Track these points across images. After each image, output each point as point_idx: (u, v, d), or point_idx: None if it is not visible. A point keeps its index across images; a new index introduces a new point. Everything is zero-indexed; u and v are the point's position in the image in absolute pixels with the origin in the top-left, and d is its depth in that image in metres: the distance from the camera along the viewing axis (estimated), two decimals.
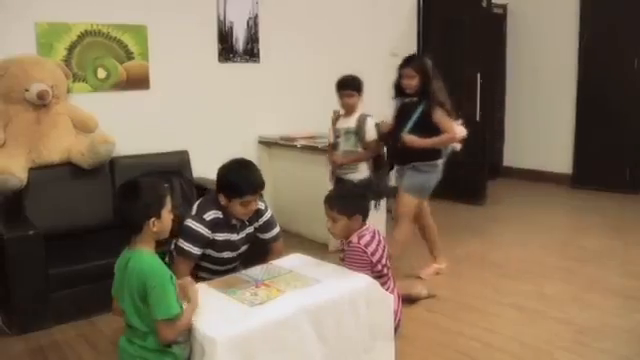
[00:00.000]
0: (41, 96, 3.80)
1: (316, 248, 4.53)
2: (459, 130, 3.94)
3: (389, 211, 5.50)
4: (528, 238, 5.11)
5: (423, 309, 3.62)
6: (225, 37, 5.08)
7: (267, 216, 3.14)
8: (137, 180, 2.30)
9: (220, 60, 5.08)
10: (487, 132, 6.20)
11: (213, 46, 5.03)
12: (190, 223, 2.89)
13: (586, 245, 4.87)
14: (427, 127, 3.82)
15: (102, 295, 3.52)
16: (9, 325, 3.34)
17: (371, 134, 4.09)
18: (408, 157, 3.93)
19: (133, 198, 2.18)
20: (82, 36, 4.25)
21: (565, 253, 4.71)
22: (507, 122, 7.89)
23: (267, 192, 3.89)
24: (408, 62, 3.91)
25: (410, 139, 3.83)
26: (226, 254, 3.04)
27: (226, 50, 5.11)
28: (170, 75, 4.72)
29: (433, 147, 3.90)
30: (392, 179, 4.25)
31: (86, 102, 4.24)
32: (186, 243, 2.87)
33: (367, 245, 2.98)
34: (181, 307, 2.16)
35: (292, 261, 3.00)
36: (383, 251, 3.08)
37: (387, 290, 2.96)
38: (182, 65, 4.79)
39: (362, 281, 2.76)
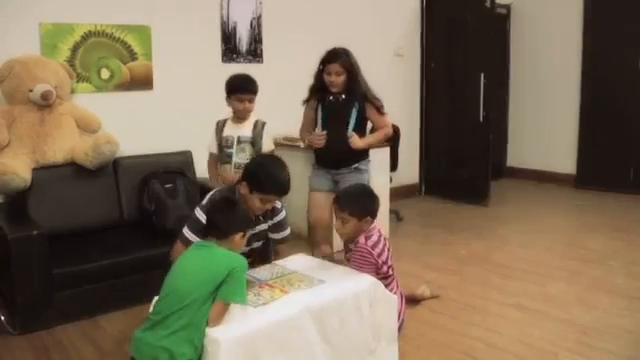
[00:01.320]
0: (45, 96, 3.80)
1: None
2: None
3: (392, 212, 5.52)
4: (532, 238, 5.10)
5: (426, 309, 3.62)
6: (228, 37, 5.08)
7: (282, 216, 3.13)
8: (236, 199, 2.74)
9: (223, 60, 5.07)
10: (490, 132, 6.19)
11: (216, 46, 5.03)
12: (196, 212, 2.90)
13: (590, 246, 4.85)
14: (363, 125, 3.72)
15: (106, 295, 3.58)
16: (13, 325, 3.34)
17: (269, 144, 3.67)
18: (352, 159, 3.70)
19: (234, 210, 2.55)
20: (86, 37, 4.26)
21: (569, 253, 4.70)
22: (511, 122, 7.87)
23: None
24: (334, 57, 3.56)
25: (359, 141, 3.62)
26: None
27: (229, 50, 5.11)
28: (173, 75, 4.72)
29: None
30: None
31: (90, 102, 4.24)
32: (188, 230, 2.88)
33: (374, 246, 2.97)
34: None
35: (296, 261, 3.00)
36: (389, 252, 3.08)
37: (391, 291, 2.96)
38: (185, 65, 4.79)
39: (366, 282, 2.76)
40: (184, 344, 2.19)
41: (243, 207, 2.67)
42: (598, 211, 6.04)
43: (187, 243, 2.81)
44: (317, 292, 2.58)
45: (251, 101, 3.55)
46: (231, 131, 3.60)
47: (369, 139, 3.73)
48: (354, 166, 3.69)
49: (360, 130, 3.69)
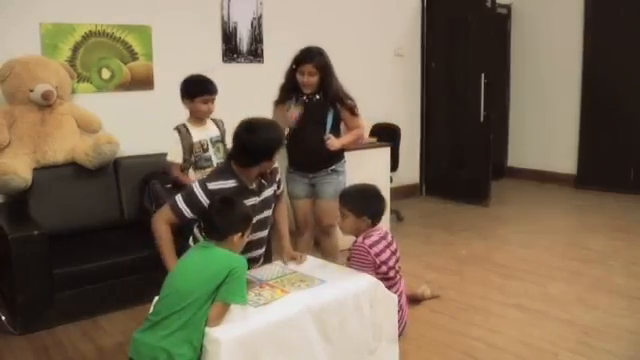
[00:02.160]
0: (46, 96, 3.81)
1: None
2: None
3: (393, 212, 5.51)
4: (532, 239, 5.10)
5: (427, 310, 3.62)
6: (229, 37, 5.08)
7: (279, 172, 3.09)
8: (234, 199, 2.59)
9: (224, 60, 5.08)
10: (491, 132, 6.19)
11: (217, 46, 5.03)
12: (195, 186, 2.75)
13: (591, 246, 4.85)
14: (337, 126, 3.64)
15: (107, 295, 3.58)
16: (14, 324, 3.34)
17: (230, 140, 3.58)
18: (328, 161, 3.60)
19: (232, 210, 2.49)
20: (86, 37, 4.26)
21: (570, 254, 4.70)
22: (511, 122, 7.87)
23: None
24: (308, 57, 3.47)
25: (336, 143, 3.52)
26: (260, 215, 2.91)
27: (230, 50, 5.12)
28: (174, 75, 4.68)
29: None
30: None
31: (90, 102, 4.24)
32: (183, 203, 2.71)
33: (372, 245, 2.98)
34: None
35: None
36: (392, 254, 3.08)
37: (395, 293, 2.96)
38: (186, 65, 4.75)
39: (366, 281, 2.76)
40: (183, 345, 2.19)
41: (242, 207, 2.57)
42: (598, 211, 6.04)
43: (178, 214, 2.71)
44: (317, 292, 2.58)
45: (213, 101, 3.52)
46: (200, 135, 3.51)
47: (345, 140, 3.62)
48: (331, 168, 3.61)
49: (335, 131, 3.61)
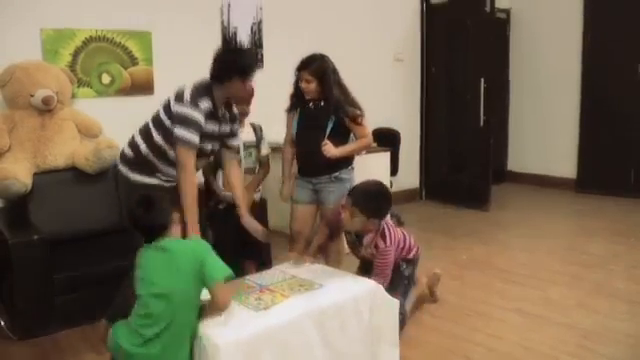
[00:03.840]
0: (46, 101, 3.81)
1: None
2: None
3: (393, 216, 5.51)
4: (533, 243, 5.10)
5: (428, 314, 3.62)
6: (229, 42, 5.08)
7: (238, 127, 3.32)
8: (148, 195, 2.50)
9: None
10: (491, 137, 6.20)
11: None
12: (187, 111, 2.89)
13: (591, 250, 4.85)
14: (341, 133, 3.56)
15: (107, 299, 3.56)
16: (13, 329, 3.34)
17: (266, 147, 3.80)
18: (331, 167, 3.53)
19: (153, 205, 2.38)
20: (87, 42, 4.27)
21: (570, 258, 4.69)
22: (511, 127, 7.88)
23: (274, 195, 3.91)
24: (305, 65, 3.52)
25: (333, 149, 3.45)
26: (210, 146, 3.09)
27: None
28: (174, 80, 4.65)
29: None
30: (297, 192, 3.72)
31: (91, 107, 4.25)
32: (188, 132, 2.87)
33: (392, 242, 3.18)
34: None
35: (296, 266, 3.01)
36: (404, 235, 3.36)
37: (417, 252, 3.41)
38: (186, 70, 4.75)
39: (366, 286, 2.77)
40: (183, 345, 2.21)
41: (159, 197, 2.46)
42: (599, 215, 6.04)
43: (194, 148, 2.90)
44: (317, 296, 2.59)
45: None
46: None
47: (347, 148, 3.53)
48: (334, 175, 3.55)
49: (340, 138, 3.51)
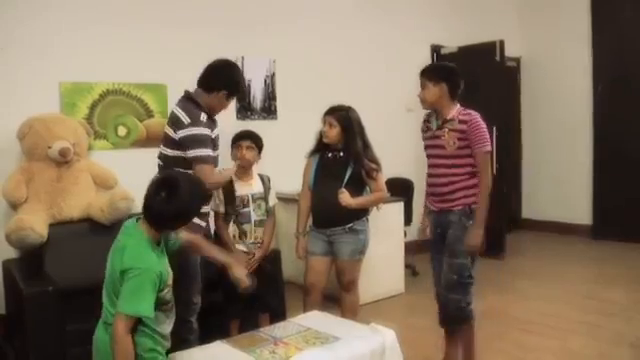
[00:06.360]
0: (63, 153, 3.87)
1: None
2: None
3: (407, 266, 5.47)
4: (550, 291, 5.02)
5: None
6: (243, 94, 5.17)
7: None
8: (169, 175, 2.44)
9: (238, 117, 5.16)
10: (504, 185, 6.18)
11: (231, 104, 5.08)
12: (194, 131, 2.98)
13: (610, 298, 4.77)
14: (357, 184, 3.57)
15: None
16: None
17: (273, 197, 3.81)
18: (346, 218, 3.54)
19: (176, 192, 2.24)
20: (104, 95, 4.37)
21: (589, 306, 4.61)
22: (524, 174, 7.87)
23: (289, 246, 3.90)
24: (332, 110, 3.61)
25: (349, 198, 3.47)
26: (217, 152, 3.20)
27: (244, 107, 5.21)
28: None
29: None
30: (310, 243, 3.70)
31: (106, 159, 4.31)
32: (203, 150, 2.97)
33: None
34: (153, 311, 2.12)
35: (311, 318, 2.98)
36: None
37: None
38: None
39: (382, 338, 2.72)
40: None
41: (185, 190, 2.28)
42: (616, 262, 5.96)
43: (213, 162, 3.05)
44: (332, 349, 2.55)
45: (251, 149, 3.77)
46: (243, 189, 3.68)
47: (361, 200, 3.56)
48: (348, 226, 3.54)
49: (356, 188, 3.55)
